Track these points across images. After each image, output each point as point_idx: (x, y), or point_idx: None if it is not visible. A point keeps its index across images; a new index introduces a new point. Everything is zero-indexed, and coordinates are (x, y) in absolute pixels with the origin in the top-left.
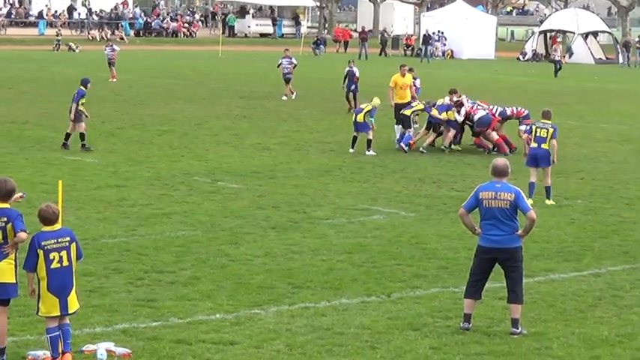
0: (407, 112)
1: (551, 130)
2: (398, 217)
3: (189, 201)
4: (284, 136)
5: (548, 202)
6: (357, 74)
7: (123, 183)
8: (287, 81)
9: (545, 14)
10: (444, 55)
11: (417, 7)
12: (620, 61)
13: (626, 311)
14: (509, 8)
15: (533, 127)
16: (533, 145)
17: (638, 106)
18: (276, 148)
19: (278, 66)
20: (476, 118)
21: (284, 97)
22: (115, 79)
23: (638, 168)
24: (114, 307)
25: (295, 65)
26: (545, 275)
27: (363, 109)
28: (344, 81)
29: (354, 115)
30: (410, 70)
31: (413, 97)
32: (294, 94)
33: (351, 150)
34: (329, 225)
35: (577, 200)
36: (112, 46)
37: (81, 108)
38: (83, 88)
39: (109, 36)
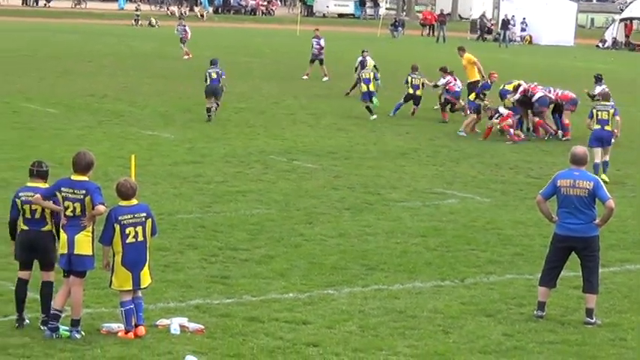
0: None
1: (611, 110)
2: (473, 201)
3: (265, 179)
4: (360, 117)
5: (603, 176)
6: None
7: (199, 159)
8: (320, 62)
9: (626, 2)
10: (522, 40)
11: None
12: None
13: None
14: None
15: (594, 111)
16: (597, 127)
17: None
18: (352, 128)
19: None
20: (535, 98)
21: (325, 79)
22: (189, 56)
23: None
24: (188, 283)
25: (323, 47)
26: (621, 266)
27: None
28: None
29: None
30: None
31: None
32: (327, 77)
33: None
34: (404, 208)
35: None
36: (184, 25)
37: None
38: (215, 66)
39: (187, 12)
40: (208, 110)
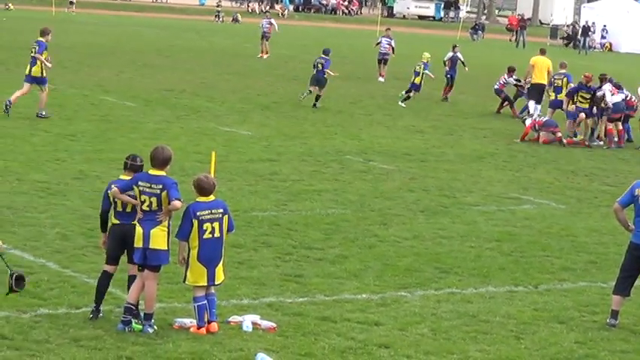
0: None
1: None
2: (549, 208)
3: (341, 179)
4: (437, 120)
5: None
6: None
7: (275, 157)
8: (384, 62)
9: None
10: (602, 47)
11: None
12: None
13: None
14: None
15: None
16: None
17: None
18: (429, 131)
19: (377, 44)
20: (612, 102)
21: (381, 79)
22: (265, 55)
23: None
24: (261, 281)
25: (393, 48)
26: None
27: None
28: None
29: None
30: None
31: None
32: (383, 77)
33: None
34: (479, 212)
35: None
36: (270, 19)
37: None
38: (324, 56)
39: (268, 9)
40: (310, 92)
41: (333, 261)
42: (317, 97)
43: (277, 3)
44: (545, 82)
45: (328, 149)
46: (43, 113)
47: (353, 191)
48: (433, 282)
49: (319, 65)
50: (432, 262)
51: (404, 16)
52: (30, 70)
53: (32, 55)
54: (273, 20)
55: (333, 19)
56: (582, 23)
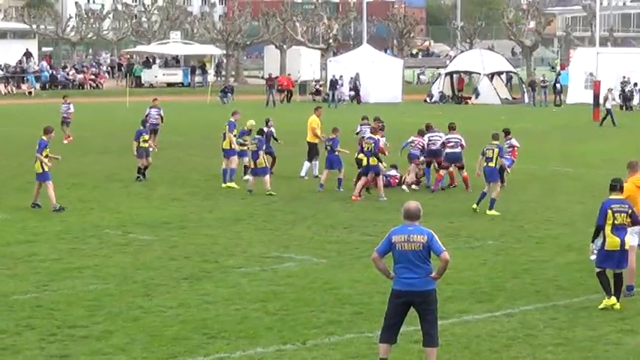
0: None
1: (497, 150)
2: (310, 263)
3: (101, 254)
4: (194, 186)
5: (489, 212)
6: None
7: (33, 238)
8: (154, 132)
9: (450, 56)
10: (351, 99)
11: (323, 52)
12: (526, 100)
13: (540, 350)
14: (414, 51)
15: (484, 150)
16: (484, 164)
17: (546, 144)
18: (186, 198)
19: (146, 116)
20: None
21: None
22: (69, 140)
23: (547, 207)
24: None
25: (162, 117)
26: (459, 317)
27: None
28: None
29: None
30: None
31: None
32: (155, 147)
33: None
34: (242, 274)
35: (488, 241)
36: (68, 103)
37: (143, 145)
38: (142, 127)
39: (14, 90)
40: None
41: (99, 337)
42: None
43: (23, 82)
44: (315, 141)
45: (86, 225)
46: None
47: (114, 265)
48: (201, 348)
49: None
50: (199, 329)
51: (151, 84)
52: None
53: None
54: (71, 105)
55: (82, 94)
56: (330, 77)
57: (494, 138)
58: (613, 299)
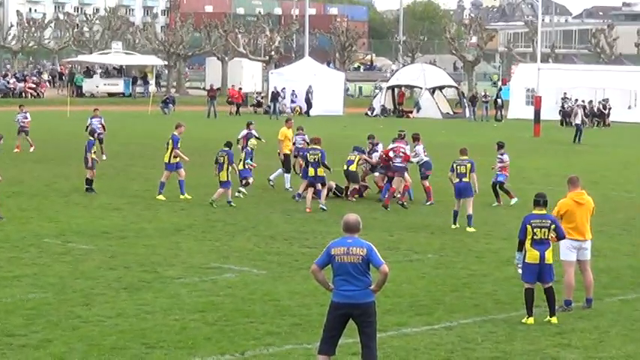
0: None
1: (468, 165)
2: (250, 274)
3: (40, 263)
4: (134, 196)
5: (469, 229)
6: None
7: None
8: (100, 141)
9: (392, 70)
10: (292, 111)
11: (265, 64)
12: (467, 115)
13: None
14: (356, 64)
15: (454, 165)
16: (456, 180)
17: (486, 159)
18: (126, 207)
19: (87, 126)
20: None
21: (104, 157)
22: (32, 149)
23: (486, 221)
24: None
25: (104, 126)
26: (398, 330)
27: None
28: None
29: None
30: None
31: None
32: (105, 155)
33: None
34: (181, 284)
35: (427, 254)
36: (25, 112)
37: (93, 156)
38: (91, 139)
39: None
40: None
41: (37, 346)
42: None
43: None
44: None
45: (25, 234)
46: None
47: (53, 274)
48: (140, 358)
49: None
50: (138, 339)
51: (92, 94)
52: None
53: None
54: (28, 114)
55: (21, 103)
56: (271, 89)
57: (463, 153)
58: (531, 320)
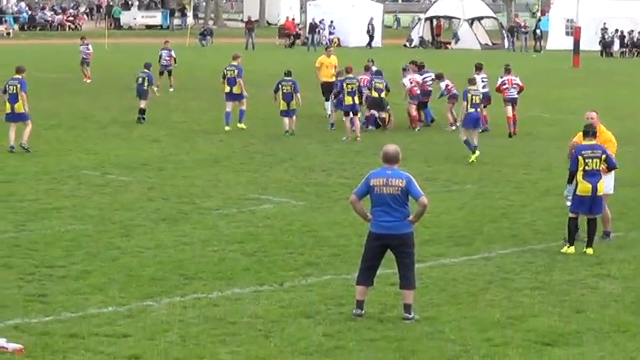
0: None
1: (481, 96)
2: (288, 205)
3: (79, 195)
4: (172, 128)
5: (473, 157)
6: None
7: (10, 178)
8: (169, 73)
9: (430, 1)
10: (330, 43)
11: None
12: (506, 46)
13: (516, 294)
14: None
15: (468, 95)
16: (471, 110)
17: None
18: (164, 139)
19: (159, 59)
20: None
21: (170, 90)
22: (89, 79)
23: (524, 151)
24: (4, 303)
25: (175, 58)
26: (437, 260)
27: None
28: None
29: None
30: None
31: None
32: (172, 87)
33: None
34: (219, 215)
35: (466, 185)
36: (86, 43)
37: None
38: (146, 70)
39: None
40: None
41: (77, 277)
42: (143, 111)
43: (2, 23)
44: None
45: (64, 166)
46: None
47: (92, 206)
48: (178, 289)
49: (139, 79)
50: (176, 270)
51: (130, 27)
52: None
53: None
54: (90, 46)
55: (60, 35)
56: (309, 21)
57: (472, 83)
58: (572, 249)
